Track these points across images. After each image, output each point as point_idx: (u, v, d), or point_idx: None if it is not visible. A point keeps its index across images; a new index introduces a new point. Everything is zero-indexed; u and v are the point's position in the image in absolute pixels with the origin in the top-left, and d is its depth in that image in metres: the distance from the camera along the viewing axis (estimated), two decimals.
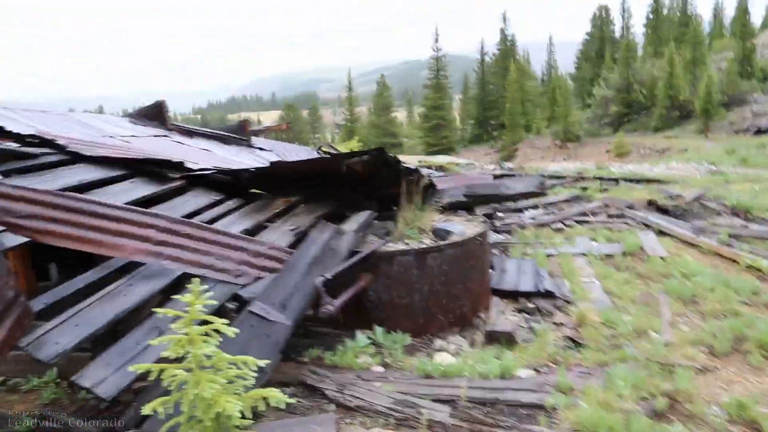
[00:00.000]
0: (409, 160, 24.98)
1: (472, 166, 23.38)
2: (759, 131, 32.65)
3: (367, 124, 62.96)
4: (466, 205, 6.15)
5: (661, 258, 7.22)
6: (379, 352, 4.38)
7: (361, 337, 4.38)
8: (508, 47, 60.90)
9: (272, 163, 5.32)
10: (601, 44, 62.79)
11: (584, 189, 14.59)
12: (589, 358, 4.26)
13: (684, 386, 3.72)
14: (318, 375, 3.85)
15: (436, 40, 57.15)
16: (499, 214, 10.31)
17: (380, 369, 4.15)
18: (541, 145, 45.08)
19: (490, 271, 6.19)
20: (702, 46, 53.47)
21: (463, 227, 5.27)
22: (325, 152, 13.75)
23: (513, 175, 13.76)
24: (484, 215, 8.93)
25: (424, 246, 4.80)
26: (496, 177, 15.93)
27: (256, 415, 3.10)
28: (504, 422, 3.30)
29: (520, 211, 11.09)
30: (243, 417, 2.69)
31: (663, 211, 10.89)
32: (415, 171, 5.48)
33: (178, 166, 5.37)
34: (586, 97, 56.24)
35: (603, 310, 5.27)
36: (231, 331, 2.83)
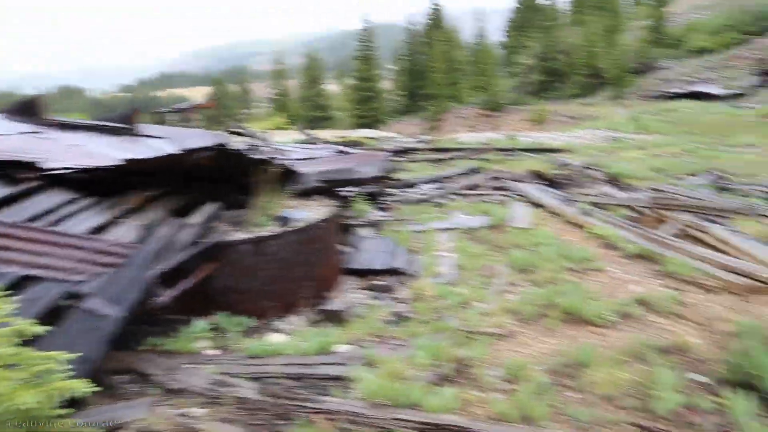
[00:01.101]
0: (326, 135, 25.11)
1: (390, 140, 23.80)
2: (667, 97, 34.38)
3: (298, 97, 62.38)
4: (325, 188, 6.48)
5: (522, 229, 7.83)
6: (220, 336, 4.75)
7: (199, 322, 4.73)
8: (436, 16, 61.25)
9: (126, 160, 5.51)
10: (529, 12, 63.98)
11: (486, 161, 15.29)
12: (408, 331, 4.74)
13: (477, 353, 4.25)
14: (150, 362, 4.18)
15: (366, 10, 56.82)
16: (390, 191, 10.77)
17: (216, 352, 4.51)
18: (467, 115, 45.92)
19: (348, 250, 6.62)
20: (619, 14, 55.37)
21: (309, 213, 5.64)
22: (233, 134, 13.79)
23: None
24: (369, 194, 9.37)
25: (264, 234, 5.14)
26: (396, 153, 16.41)
27: (78, 404, 3.42)
28: (301, 395, 3.73)
29: (412, 186, 11.61)
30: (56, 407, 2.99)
31: (547, 181, 11.61)
32: (266, 161, 5.77)
33: (29, 165, 5.47)
34: (513, 65, 57.45)
35: (440, 284, 5.78)
36: (42, 330, 3.13)
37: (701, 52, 41.72)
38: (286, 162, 6.28)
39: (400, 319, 5.06)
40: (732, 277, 5.52)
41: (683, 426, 3.36)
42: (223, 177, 5.91)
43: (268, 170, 5.65)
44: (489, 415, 3.57)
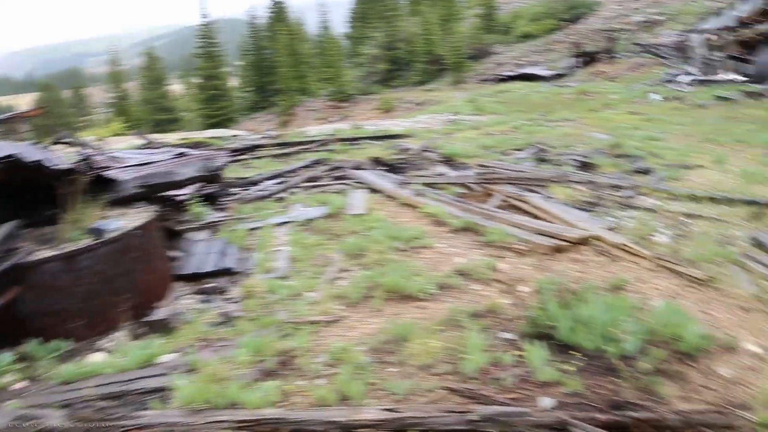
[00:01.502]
0: (171, 138, 23.86)
1: (237, 139, 23.18)
2: (500, 79, 36.81)
3: (140, 100, 58.71)
4: (146, 194, 6.12)
5: (358, 216, 7.97)
6: (30, 366, 4.31)
7: (2, 356, 4.27)
8: (279, 9, 60.45)
9: None
10: (370, 3, 65.23)
11: (331, 152, 15.36)
12: (236, 331, 4.63)
13: (301, 342, 4.24)
14: None
15: (206, 3, 54.62)
16: (232, 190, 10.48)
17: (24, 384, 4.10)
18: (318, 107, 46.00)
19: (178, 255, 6.33)
20: (454, 4, 58.10)
21: (125, 221, 5.29)
22: (62, 144, 12.60)
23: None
24: (206, 195, 9.03)
25: (75, 248, 4.74)
26: (233, 152, 16.02)
27: None
28: (116, 414, 3.49)
29: (255, 183, 11.38)
30: None
31: (387, 166, 11.93)
32: (72, 170, 5.32)
33: None
34: (358, 56, 58.40)
35: (273, 278, 5.71)
36: None
37: (527, 37, 45.18)
38: (100, 169, 5.82)
39: (228, 319, 4.92)
40: (541, 240, 6.02)
41: (488, 382, 3.59)
42: (24, 191, 5.36)
43: (76, 180, 5.20)
44: (310, 403, 3.58)
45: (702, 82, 21.58)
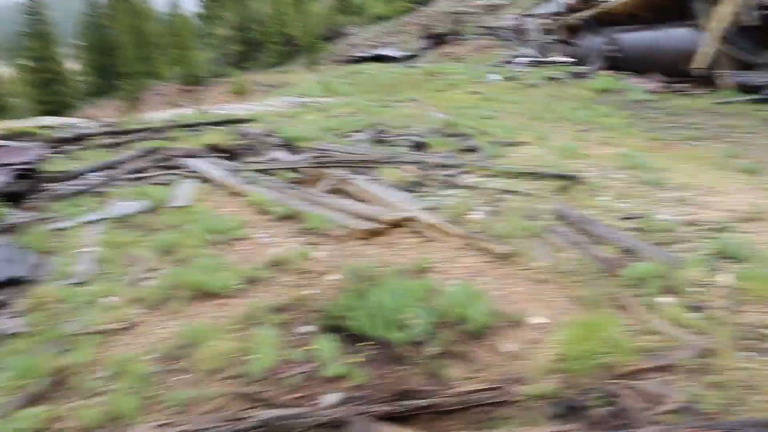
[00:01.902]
0: None
1: (70, 127, 21.12)
2: (354, 61, 36.93)
3: None
4: None
5: (180, 208, 7.45)
6: None
7: None
8: None
9: None
10: None
11: (169, 139, 14.40)
12: (10, 351, 4.06)
13: (83, 357, 3.79)
14: None
15: None
16: (46, 185, 9.42)
17: None
18: (167, 92, 43.43)
19: None
20: None
21: None
22: None
23: None
24: (10, 193, 8.00)
25: None
26: (59, 142, 14.57)
27: None
28: None
29: (76, 177, 10.34)
30: None
31: (226, 153, 11.37)
32: None
33: None
34: (210, 37, 55.79)
35: (70, 285, 5.12)
36: None
37: (380, 18, 45.69)
38: None
39: (7, 337, 4.31)
40: (359, 224, 5.95)
41: (275, 383, 3.41)
42: None
43: None
44: (77, 427, 3.19)
45: (537, 64, 23.01)
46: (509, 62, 25.10)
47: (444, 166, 8.42)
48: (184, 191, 8.34)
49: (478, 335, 3.75)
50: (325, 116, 15.42)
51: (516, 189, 7.16)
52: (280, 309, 4.27)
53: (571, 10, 21.88)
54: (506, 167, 8.16)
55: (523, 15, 29.83)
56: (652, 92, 14.67)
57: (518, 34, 30.05)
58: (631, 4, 17.65)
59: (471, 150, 9.58)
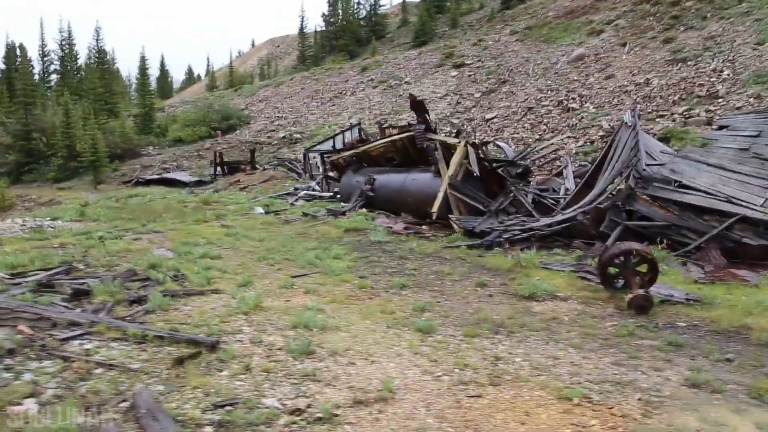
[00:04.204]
0: None
1: None
2: (138, 182, 34.69)
3: None
4: None
5: None
6: None
7: None
8: None
9: None
10: (11, 84, 57.68)
11: None
12: None
13: None
14: None
15: None
16: None
17: None
18: None
19: None
20: (116, 99, 54.94)
21: None
22: None
23: None
24: None
25: None
26: None
27: None
28: None
29: None
30: None
31: None
32: None
33: None
34: None
35: None
36: None
37: (180, 141, 44.43)
38: None
39: None
40: None
41: None
42: None
43: None
44: None
45: (311, 198, 22.86)
46: (290, 194, 24.82)
47: (72, 324, 6.76)
48: None
49: None
50: (39, 246, 13.10)
51: (122, 362, 5.69)
52: None
53: (348, 147, 22.38)
54: (144, 328, 6.72)
55: (308, 149, 30.37)
56: (396, 233, 14.60)
57: (307, 167, 30.41)
58: (383, 147, 18.26)
59: (137, 301, 8.08)
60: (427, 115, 17.17)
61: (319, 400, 5.03)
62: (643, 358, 6.31)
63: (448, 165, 15.36)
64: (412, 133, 17.27)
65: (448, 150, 15.71)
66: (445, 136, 19.98)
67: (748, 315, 7.56)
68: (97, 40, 64.25)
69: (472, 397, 5.23)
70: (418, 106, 17.09)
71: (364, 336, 6.98)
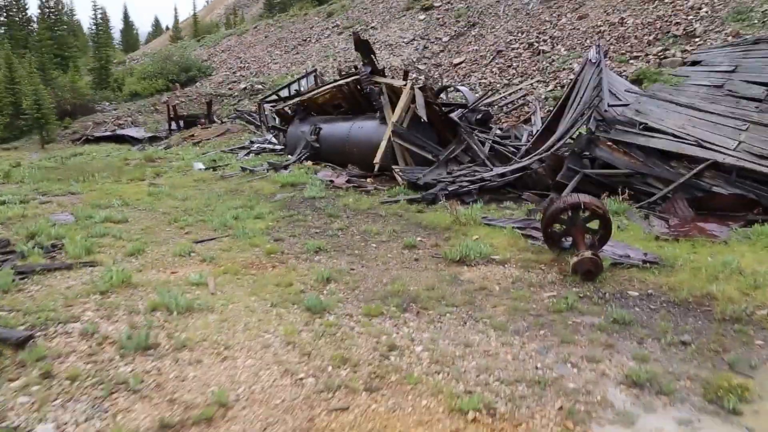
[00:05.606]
0: None
1: None
2: (90, 140, 32.56)
3: None
4: None
5: None
6: None
7: None
8: None
9: None
10: None
11: None
12: None
13: None
14: None
15: None
16: None
17: None
18: None
19: None
20: (69, 53, 51.87)
21: None
22: None
23: None
24: None
25: None
26: None
27: None
28: None
29: None
30: None
31: None
32: None
33: None
34: None
35: None
36: None
37: (136, 96, 41.98)
38: None
39: None
40: None
41: None
42: None
43: None
44: None
45: (263, 151, 21.19)
46: (243, 148, 23.10)
47: None
48: None
49: None
50: None
51: None
52: None
53: (294, 96, 20.57)
54: None
55: (262, 100, 28.38)
56: (336, 188, 13.11)
57: (263, 119, 28.50)
58: (329, 93, 16.55)
59: None
60: (373, 56, 15.44)
61: (117, 425, 3.64)
62: (579, 343, 4.98)
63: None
64: (358, 77, 15.56)
65: (396, 94, 14.08)
66: (392, 78, 18.28)
67: (713, 280, 6.24)
68: None
69: (334, 411, 3.87)
70: (362, 45, 15.33)
71: (236, 319, 5.57)
